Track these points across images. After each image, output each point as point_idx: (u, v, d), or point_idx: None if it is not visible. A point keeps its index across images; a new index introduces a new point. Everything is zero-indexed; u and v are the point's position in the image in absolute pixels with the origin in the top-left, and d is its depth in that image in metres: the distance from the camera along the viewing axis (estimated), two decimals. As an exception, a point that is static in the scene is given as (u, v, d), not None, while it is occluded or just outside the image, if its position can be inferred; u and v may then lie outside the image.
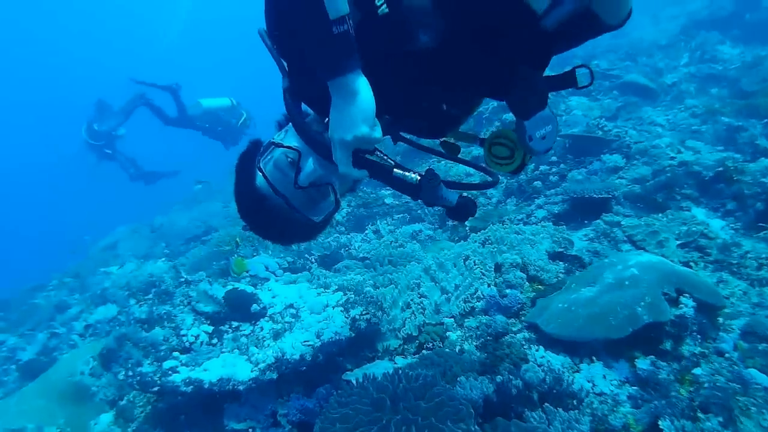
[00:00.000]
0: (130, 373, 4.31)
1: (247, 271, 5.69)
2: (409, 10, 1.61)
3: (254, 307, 4.98)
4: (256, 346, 4.62)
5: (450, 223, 7.24)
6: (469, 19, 1.65)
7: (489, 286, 5.15)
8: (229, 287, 5.26)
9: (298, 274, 5.91)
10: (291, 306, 5.06)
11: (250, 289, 5.18)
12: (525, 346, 4.35)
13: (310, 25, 1.46)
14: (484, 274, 5.27)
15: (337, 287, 5.22)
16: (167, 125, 10.26)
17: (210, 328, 4.89)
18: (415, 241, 6.55)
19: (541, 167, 7.52)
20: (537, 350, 4.31)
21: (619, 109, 8.78)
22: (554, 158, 7.68)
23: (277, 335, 4.74)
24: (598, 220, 6.10)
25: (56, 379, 6.23)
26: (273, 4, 1.71)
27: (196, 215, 10.83)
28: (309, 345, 4.39)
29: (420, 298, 5.11)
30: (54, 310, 8.51)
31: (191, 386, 4.18)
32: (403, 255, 6.07)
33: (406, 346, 4.82)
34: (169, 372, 4.33)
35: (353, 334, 4.55)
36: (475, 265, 5.34)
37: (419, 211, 7.68)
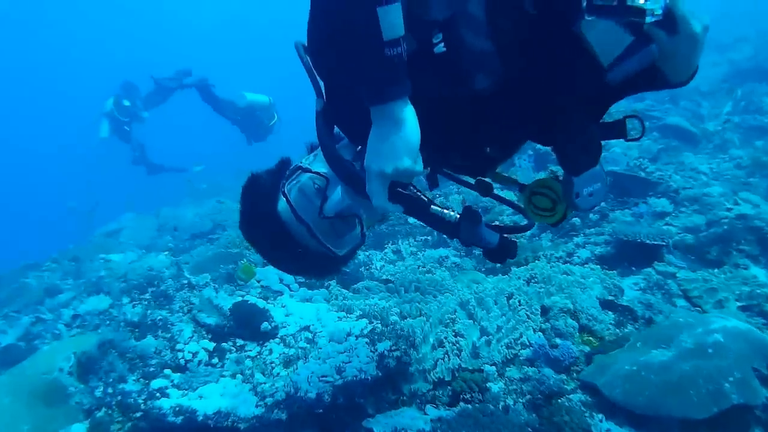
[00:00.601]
0: (110, 390, 3.36)
1: (258, 281, 4.73)
2: (470, 54, 1.46)
3: (265, 325, 4.02)
4: (263, 374, 3.66)
5: (476, 251, 6.33)
6: (533, 67, 1.50)
7: (535, 331, 4.20)
8: (238, 298, 4.30)
9: (314, 290, 4.95)
10: (307, 329, 4.10)
11: (261, 303, 4.21)
12: (586, 414, 3.40)
13: (361, 42, 1.30)
14: (529, 317, 4.32)
15: (361, 313, 4.26)
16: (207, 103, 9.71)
17: (211, 345, 3.92)
18: (443, 268, 5.59)
19: (580, 203, 6.56)
20: (600, 420, 3.37)
21: (660, 151, 7.93)
22: (595, 196, 6.73)
23: (288, 362, 3.78)
24: (648, 269, 5.20)
25: (30, 373, 5.25)
26: (321, 16, 1.44)
27: (204, 211, 9.87)
28: (328, 381, 3.43)
29: (455, 336, 4.16)
30: (44, 294, 7.50)
31: (181, 416, 3.22)
32: (432, 282, 5.12)
33: (437, 392, 3.87)
34: (157, 394, 3.36)
35: (380, 374, 3.59)
36: (519, 305, 4.40)
37: (444, 236, 6.72)
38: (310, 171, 1.76)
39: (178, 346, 3.86)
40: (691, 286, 4.92)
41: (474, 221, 1.59)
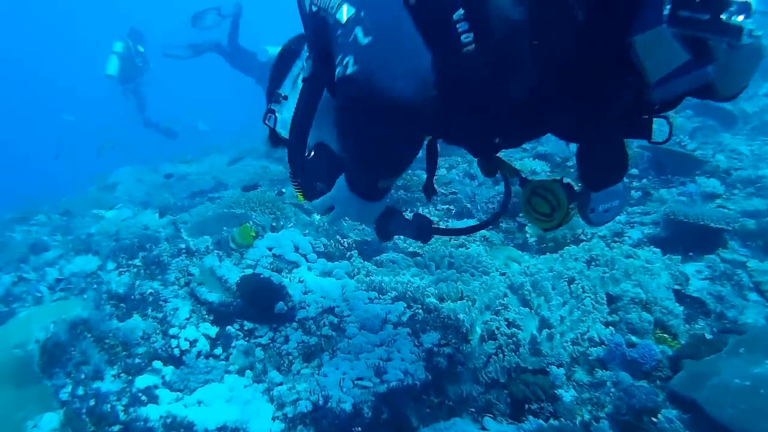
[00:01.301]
0: (80, 392, 2.35)
1: (269, 249, 3.72)
2: (504, 60, 1.31)
3: (280, 305, 3.03)
4: (279, 370, 2.67)
5: (503, 225, 5.36)
6: (570, 78, 1.29)
7: (607, 326, 3.24)
8: (247, 270, 3.28)
9: (335, 262, 3.92)
10: (331, 311, 3.11)
11: (276, 277, 3.19)
12: (694, 442, 2.48)
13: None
14: (595, 308, 3.36)
15: (395, 294, 3.26)
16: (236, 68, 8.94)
17: (214, 330, 2.92)
18: (476, 242, 4.60)
19: (620, 179, 5.59)
20: (713, 452, 2.44)
21: (695, 130, 6.94)
22: (635, 171, 5.82)
23: (309, 355, 2.80)
24: (712, 255, 4.25)
25: (1, 345, 4.26)
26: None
27: (206, 168, 8.78)
28: (365, 387, 2.46)
29: (509, 327, 3.19)
30: (28, 250, 6.42)
31: None
32: (467, 258, 4.14)
33: (491, 397, 2.92)
34: (143, 397, 2.38)
35: (430, 377, 2.62)
36: (584, 292, 3.43)
37: (468, 205, 5.75)
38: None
39: (172, 331, 2.86)
40: (765, 278, 3.99)
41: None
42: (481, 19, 1.26)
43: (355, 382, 2.48)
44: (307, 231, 5.20)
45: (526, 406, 2.81)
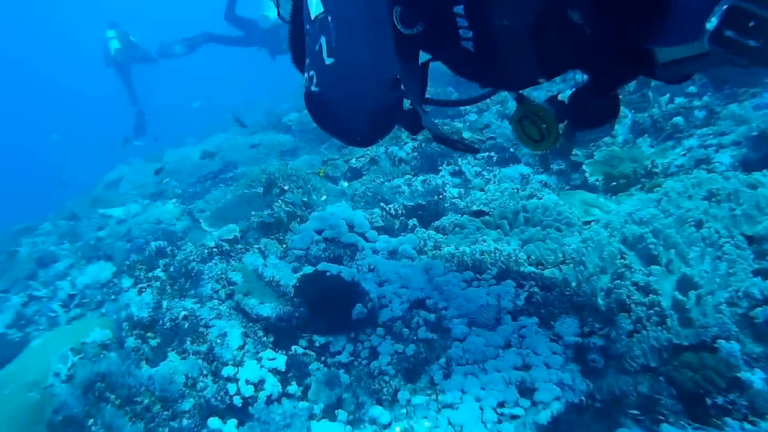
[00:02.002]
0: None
1: (318, 233, 2.82)
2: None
3: (358, 308, 2.14)
4: (379, 401, 1.80)
5: (555, 166, 4.49)
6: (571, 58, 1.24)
7: (765, 277, 2.39)
8: (298, 264, 2.38)
9: (400, 236, 3.03)
10: (421, 305, 2.23)
11: (347, 272, 2.30)
12: None
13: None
14: (739, 256, 2.50)
15: (496, 271, 2.37)
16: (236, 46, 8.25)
17: (281, 359, 2.04)
18: (546, 190, 3.73)
19: (677, 99, 4.68)
20: None
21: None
22: (692, 89, 4.87)
23: (412, 372, 1.94)
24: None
25: (15, 386, 3.44)
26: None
27: (211, 148, 7.78)
28: (516, 417, 1.59)
29: (644, 294, 2.34)
30: (36, 264, 5.52)
31: None
32: (545, 211, 3.27)
33: (646, 390, 2.07)
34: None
35: (591, 384, 1.75)
36: (719, 236, 2.56)
37: (511, 149, 4.86)
38: None
39: (226, 371, 1.99)
40: None
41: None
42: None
43: (499, 411, 1.62)
44: (342, 202, 4.31)
45: (708, 400, 1.96)
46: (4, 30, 31.55)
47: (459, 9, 1.17)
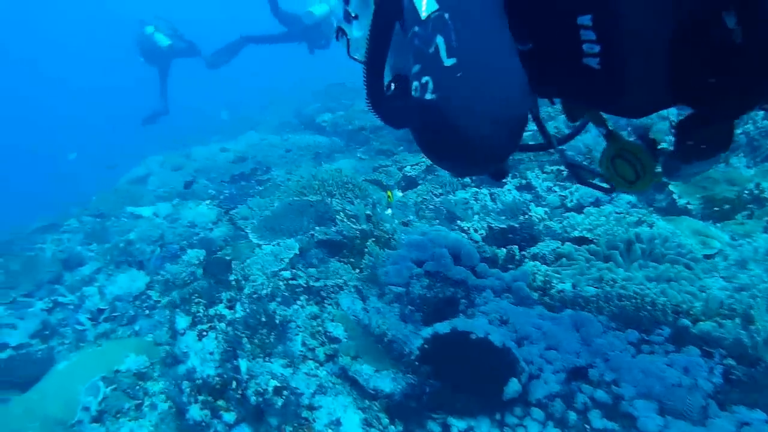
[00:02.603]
0: None
1: (417, 265, 2.17)
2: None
3: (513, 384, 1.48)
4: None
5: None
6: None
7: None
8: (407, 306, 1.74)
9: (509, 271, 2.37)
10: (582, 375, 1.59)
11: (497, 337, 1.64)
12: None
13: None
14: None
15: (670, 331, 1.72)
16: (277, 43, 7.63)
17: None
18: (655, 216, 3.11)
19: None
20: None
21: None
22: (784, 99, 4.15)
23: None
24: None
25: (39, 422, 2.83)
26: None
27: (241, 148, 7.14)
28: None
29: None
30: (61, 266, 4.87)
31: None
32: (664, 241, 2.65)
33: None
34: None
35: None
36: None
37: (585, 163, 4.19)
38: None
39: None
40: None
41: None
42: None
43: None
44: (436, 224, 3.66)
45: None
46: (15, 30, 30.84)
47: (585, 20, 0.96)
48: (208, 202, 5.56)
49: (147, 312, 3.69)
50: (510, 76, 1.01)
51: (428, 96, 1.01)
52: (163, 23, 8.00)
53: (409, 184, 4.53)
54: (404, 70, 1.29)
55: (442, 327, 1.67)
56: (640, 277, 2.43)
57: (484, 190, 4.20)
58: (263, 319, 1.90)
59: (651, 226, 2.94)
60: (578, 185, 4.01)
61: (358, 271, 2.59)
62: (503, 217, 3.32)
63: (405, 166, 4.60)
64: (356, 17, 1.41)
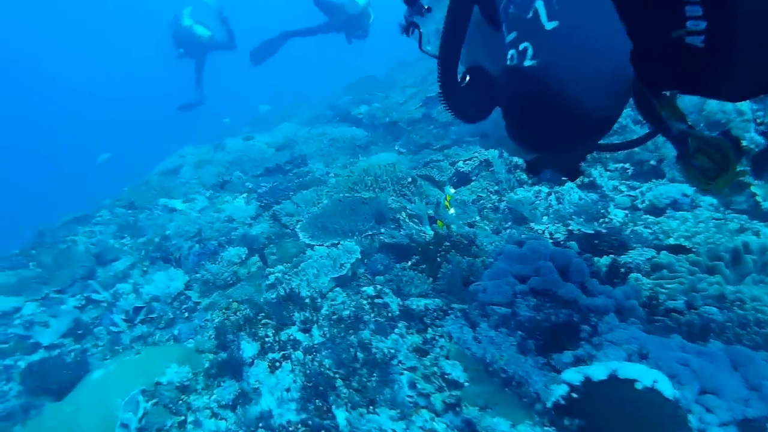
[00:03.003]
0: None
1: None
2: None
3: None
4: None
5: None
6: None
7: None
8: (519, 335, 1.36)
9: (619, 287, 1.97)
10: None
11: (664, 386, 1.25)
12: None
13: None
14: None
15: None
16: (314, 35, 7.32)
17: None
18: (756, 222, 2.68)
19: None
20: None
21: None
22: None
23: None
24: None
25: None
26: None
27: (275, 139, 6.78)
28: None
29: None
30: (94, 261, 4.57)
31: None
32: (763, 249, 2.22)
33: None
34: None
35: None
36: None
37: (652, 162, 3.82)
38: None
39: None
40: None
41: None
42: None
43: None
44: (472, 215, 3.28)
45: None
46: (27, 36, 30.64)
47: None
48: (245, 195, 5.21)
49: (186, 315, 3.35)
50: (616, 38, 0.91)
51: (527, 63, 0.92)
52: (202, 12, 7.71)
53: (461, 180, 4.14)
54: (477, 62, 1.22)
55: (595, 371, 1.29)
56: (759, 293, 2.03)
57: (545, 188, 3.80)
58: (359, 354, 1.50)
59: (757, 234, 2.53)
60: (648, 184, 3.61)
61: (431, 280, 2.22)
62: (581, 219, 2.92)
63: (457, 161, 4.20)
64: (429, 10, 1.35)
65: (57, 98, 31.42)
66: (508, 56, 0.97)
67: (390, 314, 1.72)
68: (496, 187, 3.92)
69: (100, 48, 34.05)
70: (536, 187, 3.82)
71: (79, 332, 3.70)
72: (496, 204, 3.73)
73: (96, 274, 4.38)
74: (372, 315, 1.68)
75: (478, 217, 3.29)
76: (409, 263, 2.34)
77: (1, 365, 3.50)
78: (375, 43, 7.02)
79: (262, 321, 1.91)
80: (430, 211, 3.02)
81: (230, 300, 3.25)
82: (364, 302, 1.77)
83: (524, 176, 4.07)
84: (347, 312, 1.72)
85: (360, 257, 2.60)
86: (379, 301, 1.77)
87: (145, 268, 4.23)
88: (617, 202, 3.46)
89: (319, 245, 3.04)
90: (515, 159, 4.14)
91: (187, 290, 3.55)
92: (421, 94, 7.06)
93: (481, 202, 3.72)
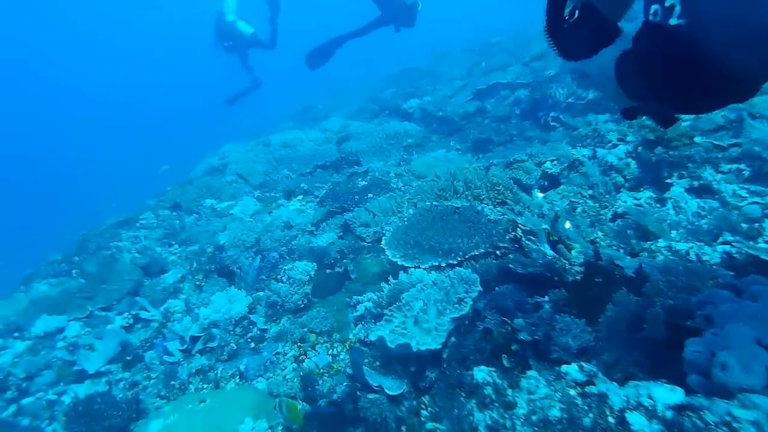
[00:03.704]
0: None
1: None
2: None
3: None
4: None
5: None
6: None
7: None
8: None
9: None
10: None
11: None
12: None
13: None
14: None
15: None
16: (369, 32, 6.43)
17: None
18: None
19: None
20: None
21: None
22: None
23: None
24: None
25: None
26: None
27: (324, 134, 6.14)
28: None
29: None
30: (141, 273, 4.01)
31: None
32: None
33: None
34: None
35: None
36: None
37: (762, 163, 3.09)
38: None
39: None
40: None
41: None
42: None
43: None
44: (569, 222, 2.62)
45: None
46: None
47: None
48: (300, 197, 4.61)
49: (252, 345, 2.76)
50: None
51: (673, 21, 0.78)
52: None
53: (550, 182, 3.47)
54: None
55: None
56: None
57: (647, 192, 3.12)
58: None
59: None
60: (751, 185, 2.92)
61: (591, 330, 1.57)
62: (733, 237, 2.23)
63: (544, 162, 3.53)
64: None
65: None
66: (651, 11, 0.84)
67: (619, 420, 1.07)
68: (590, 192, 3.24)
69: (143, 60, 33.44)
70: (638, 193, 3.14)
71: (128, 358, 3.16)
72: (600, 212, 3.05)
73: (143, 289, 3.83)
74: (598, 419, 1.01)
75: (600, 234, 2.62)
76: (550, 300, 1.69)
77: (44, 400, 2.98)
78: (406, 34, 6.34)
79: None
80: (546, 226, 2.36)
81: (305, 329, 2.66)
82: (576, 396, 1.10)
83: (620, 179, 3.38)
84: (553, 413, 1.07)
85: (481, 289, 1.97)
86: (593, 389, 1.10)
87: (198, 282, 3.66)
88: (744, 212, 2.77)
89: (415, 267, 2.41)
90: (608, 159, 3.45)
91: (251, 314, 2.95)
92: (470, 86, 6.37)
93: (578, 209, 3.05)
